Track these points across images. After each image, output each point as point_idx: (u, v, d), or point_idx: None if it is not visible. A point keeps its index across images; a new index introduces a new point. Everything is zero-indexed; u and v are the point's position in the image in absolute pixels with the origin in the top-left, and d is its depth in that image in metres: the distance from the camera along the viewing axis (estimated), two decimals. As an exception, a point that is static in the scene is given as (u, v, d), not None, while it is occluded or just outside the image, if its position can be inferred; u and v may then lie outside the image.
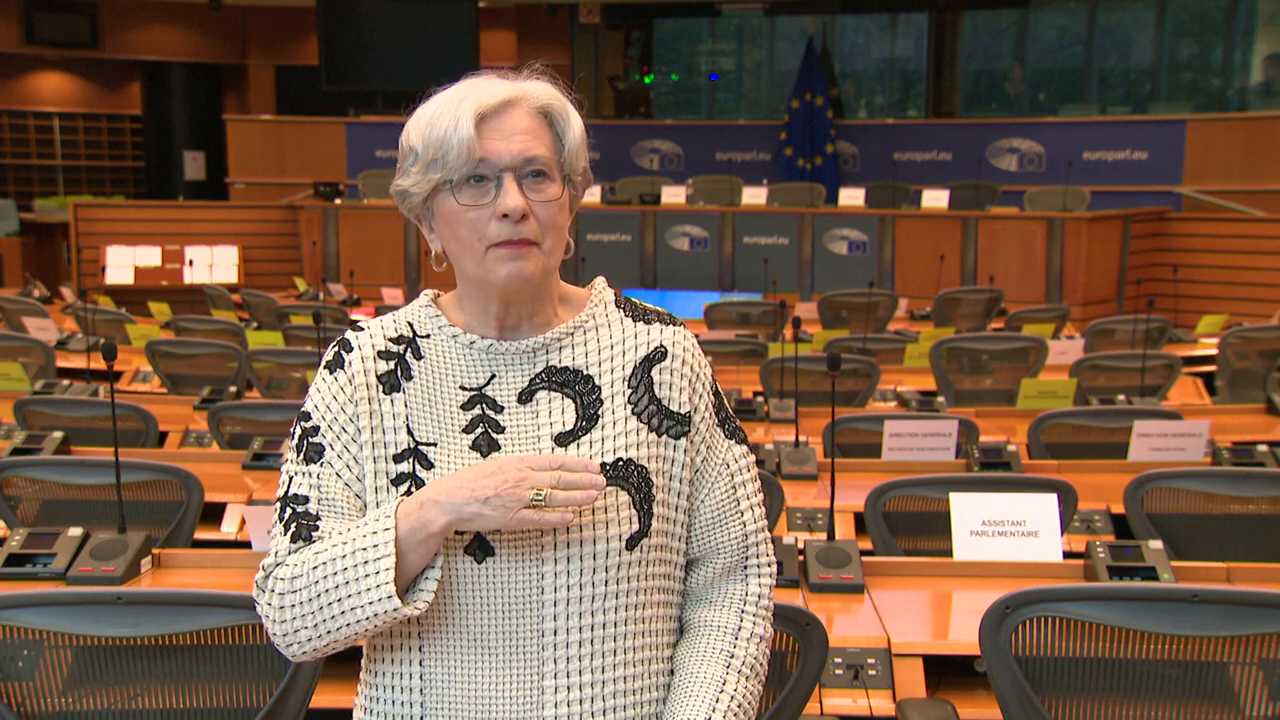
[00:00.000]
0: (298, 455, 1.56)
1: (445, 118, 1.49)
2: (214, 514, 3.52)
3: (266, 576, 1.52)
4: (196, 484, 3.27)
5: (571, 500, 1.42)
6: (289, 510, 1.54)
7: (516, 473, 1.43)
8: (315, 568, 1.47)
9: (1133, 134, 11.89)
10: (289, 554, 1.51)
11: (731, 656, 1.57)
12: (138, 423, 4.27)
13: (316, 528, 1.51)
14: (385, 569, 1.44)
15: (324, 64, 13.66)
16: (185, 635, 1.97)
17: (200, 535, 3.36)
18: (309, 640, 1.49)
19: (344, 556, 1.46)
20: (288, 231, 12.24)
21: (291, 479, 1.55)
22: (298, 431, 1.57)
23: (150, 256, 11.81)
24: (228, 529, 3.51)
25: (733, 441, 1.63)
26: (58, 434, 4.01)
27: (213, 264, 11.85)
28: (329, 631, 1.47)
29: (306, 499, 1.53)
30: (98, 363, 5.67)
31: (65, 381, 5.37)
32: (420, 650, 1.52)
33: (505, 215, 1.49)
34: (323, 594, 1.46)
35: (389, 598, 1.43)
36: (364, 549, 1.46)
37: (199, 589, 2.04)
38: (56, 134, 15.72)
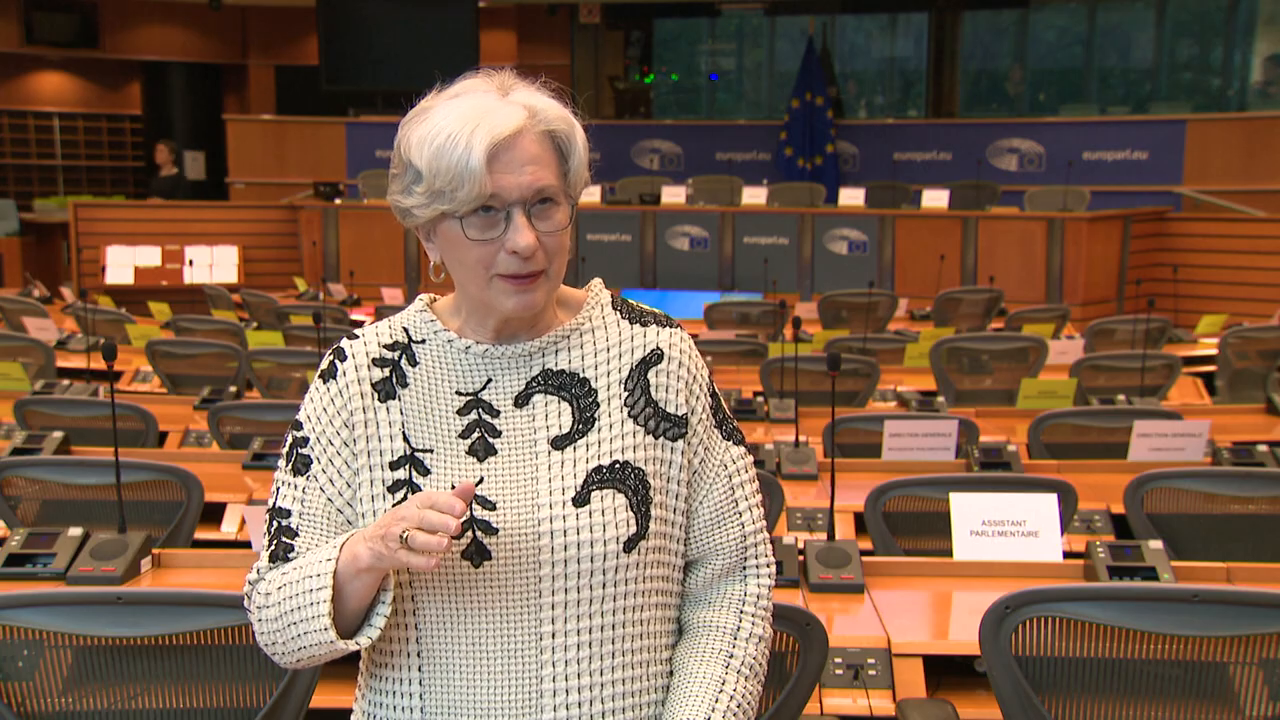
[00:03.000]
0: (286, 465, 1.57)
1: (456, 147, 1.45)
2: (214, 514, 3.51)
3: (251, 589, 1.55)
4: (196, 484, 3.27)
5: (427, 545, 1.37)
6: (274, 524, 1.56)
7: (407, 510, 1.40)
8: (280, 588, 1.50)
9: (1133, 134, 11.88)
10: (268, 570, 1.53)
11: (731, 657, 1.57)
12: (138, 423, 4.27)
13: (293, 547, 1.53)
14: (323, 600, 1.45)
15: (324, 64, 13.65)
16: (185, 635, 1.98)
17: (200, 535, 3.36)
18: (284, 655, 1.51)
19: (297, 583, 1.48)
20: (288, 231, 12.23)
21: (279, 490, 1.57)
22: (289, 440, 1.58)
23: (150, 256, 11.79)
24: (228, 529, 3.51)
25: (730, 443, 1.62)
26: (58, 434, 4.00)
27: (213, 264, 11.84)
28: (298, 650, 1.49)
29: (289, 513, 1.55)
30: (98, 363, 5.67)
31: (65, 381, 5.37)
32: (419, 655, 1.52)
33: (515, 252, 1.47)
34: (283, 616, 1.49)
35: (325, 629, 1.45)
36: (310, 577, 1.47)
37: (199, 589, 2.04)
38: (56, 134, 15.71)
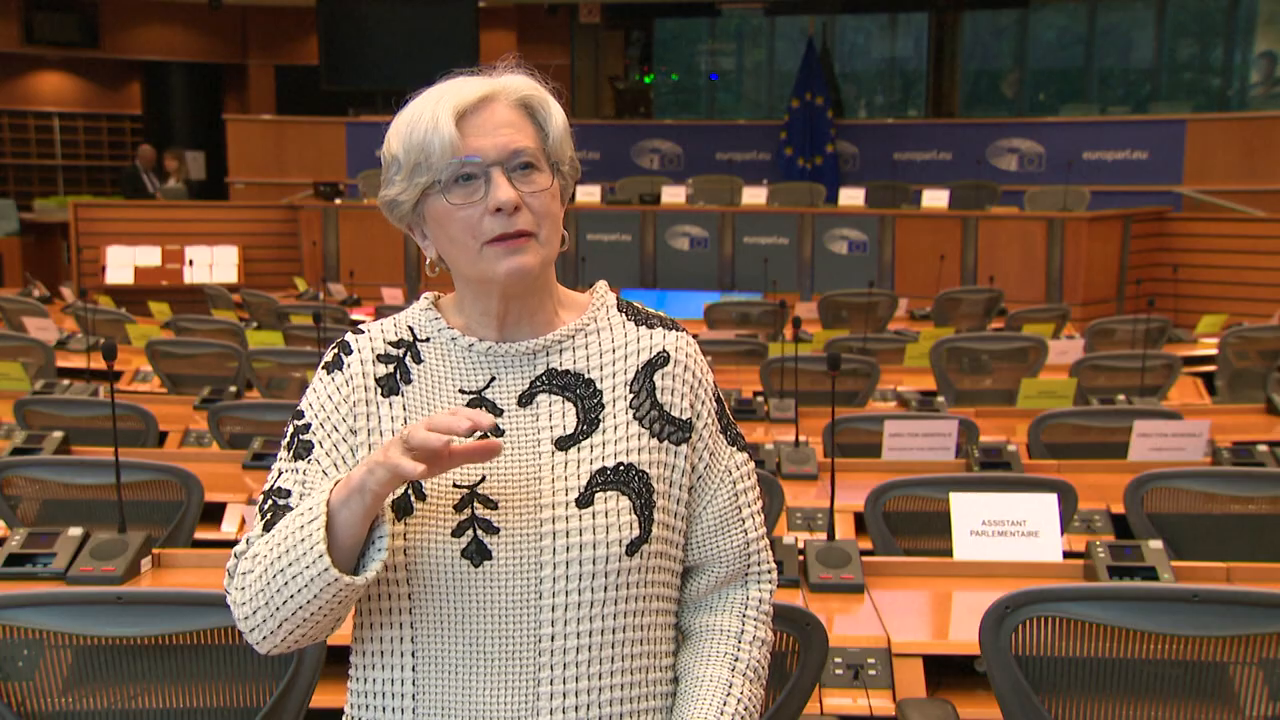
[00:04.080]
0: (287, 452, 1.55)
1: (424, 120, 1.48)
2: (214, 514, 3.52)
3: (236, 561, 1.51)
4: (196, 484, 3.27)
5: (425, 442, 1.34)
6: (270, 502, 1.53)
7: (409, 429, 1.38)
8: (267, 542, 1.46)
9: (1133, 134, 11.88)
10: (260, 540, 1.49)
11: (736, 659, 1.57)
12: (138, 423, 4.27)
13: None
14: (318, 529, 1.40)
15: (324, 64, 13.66)
16: (185, 635, 1.98)
17: (200, 535, 3.36)
18: (265, 623, 1.46)
19: (288, 526, 1.44)
20: (288, 231, 12.23)
21: (279, 474, 1.55)
22: (290, 429, 1.57)
23: (150, 256, 11.79)
24: (228, 529, 3.51)
25: (734, 449, 1.61)
26: (58, 434, 4.00)
27: (213, 264, 11.84)
28: (279, 608, 1.43)
29: (289, 493, 1.52)
30: (98, 363, 5.67)
31: (65, 381, 5.37)
32: (414, 655, 1.50)
33: (499, 209, 1.47)
34: (270, 566, 1.44)
35: (320, 557, 1.39)
36: (302, 513, 1.43)
37: (199, 589, 2.04)
38: (56, 134, 15.71)
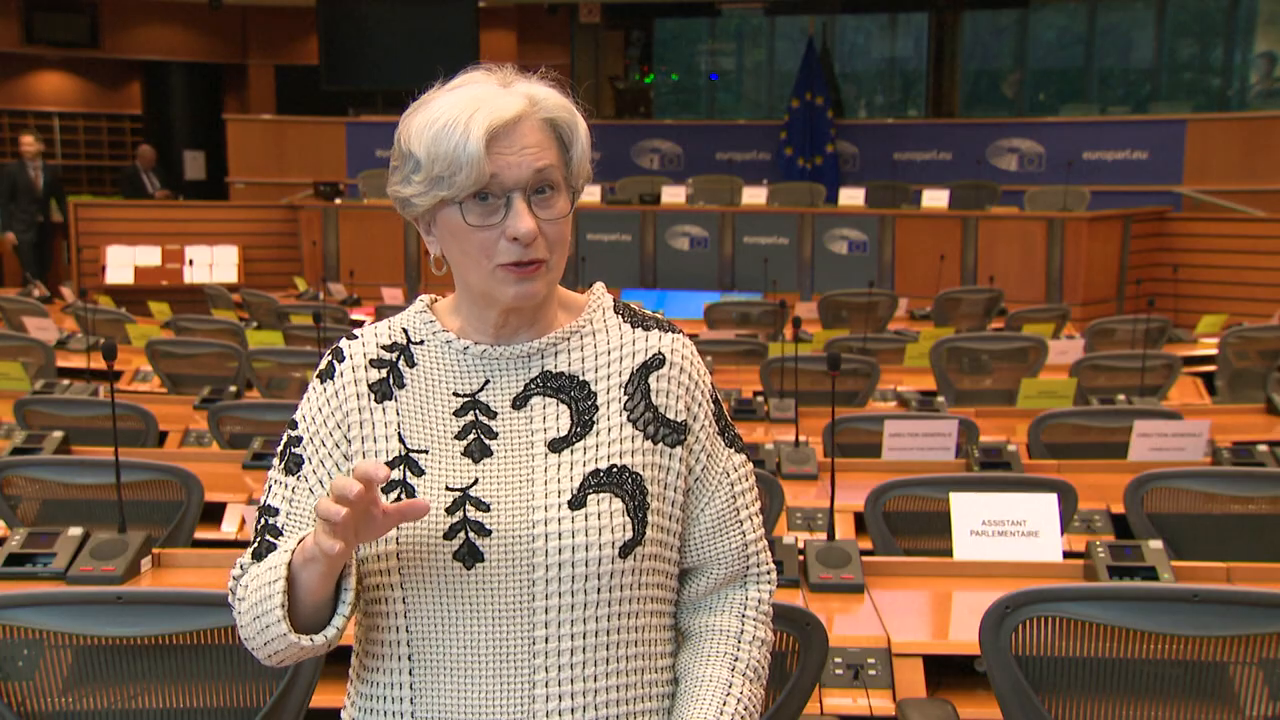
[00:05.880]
0: (279, 463, 1.56)
1: (454, 132, 1.43)
2: (214, 514, 3.52)
3: (235, 584, 1.53)
4: (196, 484, 3.27)
5: (326, 513, 1.32)
6: (262, 521, 1.55)
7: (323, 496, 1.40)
8: (254, 579, 1.48)
9: (1133, 134, 11.88)
10: (250, 566, 1.52)
11: (735, 659, 1.57)
12: (138, 422, 4.27)
13: (275, 545, 1.51)
14: (278, 592, 1.43)
15: (324, 64, 13.65)
16: (185, 635, 1.98)
17: (200, 535, 3.36)
18: (258, 650, 1.49)
19: (264, 574, 1.47)
20: (288, 231, 12.23)
21: (270, 488, 1.56)
22: (284, 439, 1.58)
23: (150, 256, 11.79)
24: (228, 529, 3.51)
25: (732, 450, 1.61)
26: (58, 434, 4.00)
27: (213, 264, 11.84)
28: (265, 645, 1.47)
29: (277, 511, 1.54)
30: (98, 362, 5.66)
31: (65, 381, 5.37)
32: (410, 659, 1.50)
33: (515, 238, 1.46)
34: (252, 609, 1.47)
35: (279, 621, 1.42)
36: (272, 569, 1.46)
37: (199, 589, 2.04)
38: (56, 134, 15.70)
